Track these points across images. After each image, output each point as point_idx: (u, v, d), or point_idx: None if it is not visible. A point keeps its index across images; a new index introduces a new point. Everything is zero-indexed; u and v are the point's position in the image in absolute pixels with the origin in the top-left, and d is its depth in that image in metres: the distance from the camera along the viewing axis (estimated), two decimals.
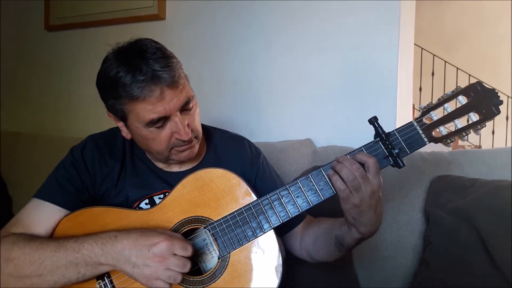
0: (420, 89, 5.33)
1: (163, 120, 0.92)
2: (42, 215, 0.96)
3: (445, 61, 5.44)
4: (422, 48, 5.31)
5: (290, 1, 1.82)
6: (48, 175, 1.04)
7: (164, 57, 0.90)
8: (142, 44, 0.92)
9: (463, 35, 5.98)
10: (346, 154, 0.88)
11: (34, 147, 2.16)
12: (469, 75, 5.24)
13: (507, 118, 4.83)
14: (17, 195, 2.10)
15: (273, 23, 1.87)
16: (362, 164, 0.84)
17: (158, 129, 0.93)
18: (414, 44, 2.02)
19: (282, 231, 1.08)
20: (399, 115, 1.68)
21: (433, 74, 5.39)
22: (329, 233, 1.00)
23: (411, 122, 0.88)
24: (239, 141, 1.19)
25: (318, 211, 1.03)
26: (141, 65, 0.87)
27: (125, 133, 1.01)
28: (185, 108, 0.94)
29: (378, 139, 0.89)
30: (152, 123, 0.91)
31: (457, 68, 5.31)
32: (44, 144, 2.14)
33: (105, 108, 1.00)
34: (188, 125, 0.95)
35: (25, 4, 2.47)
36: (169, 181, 1.04)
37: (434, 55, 5.44)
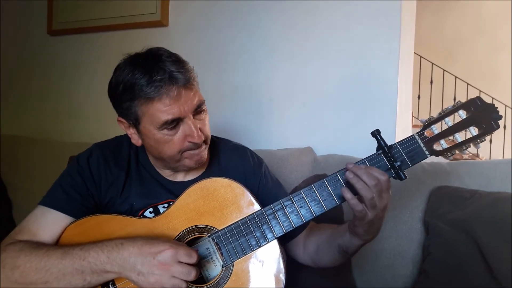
0: (419, 97, 5.36)
1: (176, 121, 0.94)
2: (48, 222, 0.97)
3: (444, 70, 5.49)
4: (421, 57, 5.35)
5: (291, 9, 1.84)
6: (54, 182, 1.04)
7: (179, 60, 0.95)
8: (156, 50, 0.96)
9: (462, 44, 6.03)
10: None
11: (34, 151, 2.16)
12: (468, 84, 5.28)
13: (504, 127, 4.86)
14: (17, 198, 2.10)
15: (275, 31, 1.88)
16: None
17: (171, 131, 0.95)
18: (414, 52, 2.05)
19: (285, 239, 1.10)
20: (399, 123, 1.70)
21: (431, 82, 5.43)
22: (332, 242, 1.02)
23: (412, 135, 0.90)
24: (242, 151, 1.20)
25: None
26: (157, 67, 0.91)
27: (135, 140, 1.03)
28: (197, 111, 0.97)
29: (380, 151, 0.90)
30: (166, 124, 0.93)
31: (456, 77, 5.35)
32: (44, 148, 2.15)
33: (117, 114, 1.02)
34: (200, 129, 0.97)
35: (28, 8, 2.49)
36: (174, 191, 1.06)
37: (433, 63, 5.48)
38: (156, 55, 0.94)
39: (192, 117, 0.96)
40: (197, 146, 0.98)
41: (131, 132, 1.02)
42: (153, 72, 0.90)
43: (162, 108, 0.92)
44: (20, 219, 1.89)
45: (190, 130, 0.95)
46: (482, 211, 1.19)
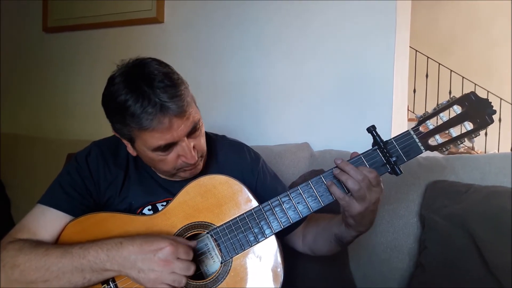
0: (414, 90, 5.38)
1: (170, 145, 0.93)
2: (47, 221, 0.97)
3: (439, 63, 5.50)
4: (416, 50, 5.36)
5: (288, 6, 1.84)
6: (52, 180, 1.05)
7: (172, 85, 0.90)
8: (150, 69, 0.91)
9: (457, 38, 6.04)
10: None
11: (32, 149, 2.17)
12: (463, 77, 5.30)
13: (500, 120, 4.89)
14: (15, 197, 2.11)
15: (271, 28, 1.89)
16: None
17: (164, 152, 0.94)
18: (409, 46, 2.06)
19: (283, 233, 1.10)
20: (395, 118, 1.71)
21: (427, 76, 5.44)
22: (328, 232, 1.04)
23: (408, 131, 0.91)
24: (238, 147, 1.21)
25: None
26: (150, 95, 0.87)
27: (131, 150, 1.02)
28: (192, 132, 0.96)
29: (376, 147, 0.91)
30: (159, 148, 0.92)
31: (451, 71, 5.37)
32: (42, 146, 2.15)
33: (111, 126, 0.99)
34: (194, 147, 0.97)
35: (24, 5, 2.47)
36: (171, 190, 1.06)
37: (428, 57, 5.49)
38: (148, 78, 0.89)
39: (186, 139, 0.94)
40: (191, 164, 0.98)
41: (126, 143, 1.01)
42: (144, 101, 0.86)
43: (155, 135, 0.90)
44: (18, 217, 1.90)
45: (184, 151, 0.94)
46: (478, 205, 1.20)
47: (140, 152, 0.98)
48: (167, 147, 0.93)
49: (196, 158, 0.97)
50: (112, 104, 0.92)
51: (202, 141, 1.02)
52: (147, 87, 0.88)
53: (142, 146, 0.94)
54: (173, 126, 0.90)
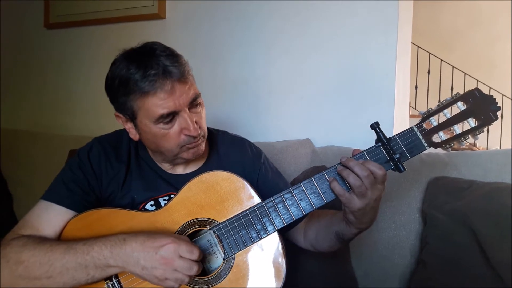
0: (416, 87, 5.37)
1: (172, 115, 0.94)
2: (50, 217, 0.98)
3: (441, 60, 5.48)
4: (418, 47, 5.33)
5: (289, 3, 1.83)
6: (55, 176, 1.05)
7: (173, 55, 0.95)
8: (151, 44, 0.96)
9: (458, 34, 6.02)
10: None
11: (33, 145, 2.18)
12: (465, 74, 5.29)
13: (502, 116, 4.87)
14: (17, 192, 2.12)
15: (272, 24, 1.88)
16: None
17: (167, 125, 0.95)
18: (411, 43, 2.05)
19: (285, 229, 1.11)
20: (397, 115, 1.71)
21: (429, 72, 5.42)
22: (329, 229, 1.04)
23: (411, 127, 0.91)
24: (240, 142, 1.21)
25: None
26: (151, 61, 0.91)
27: (133, 134, 1.03)
28: (193, 104, 0.97)
29: (379, 144, 0.91)
30: (162, 117, 0.93)
31: (453, 67, 5.35)
32: (43, 142, 2.16)
33: (114, 109, 1.02)
34: (196, 122, 0.98)
35: (25, 2, 2.47)
36: (174, 184, 1.06)
37: (430, 53, 5.47)
38: (150, 49, 0.94)
39: (187, 110, 0.96)
40: (194, 139, 0.98)
41: (129, 127, 1.03)
42: (147, 66, 0.90)
43: (157, 102, 0.92)
44: (20, 213, 1.91)
45: (186, 123, 0.95)
46: (480, 202, 1.20)
47: (143, 129, 0.98)
48: (170, 116, 0.94)
49: (199, 131, 0.98)
50: (116, 81, 0.95)
51: (203, 120, 1.03)
52: (149, 57, 0.92)
53: (145, 119, 0.95)
54: (175, 92, 0.92)
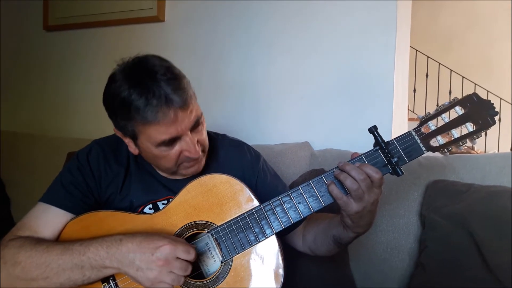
0: (414, 90, 5.38)
1: (174, 140, 0.93)
2: (49, 219, 0.97)
3: (439, 63, 5.50)
4: (416, 50, 5.35)
5: (288, 3, 1.84)
6: (53, 179, 1.05)
7: (175, 78, 0.91)
8: (151, 64, 0.92)
9: (456, 37, 6.04)
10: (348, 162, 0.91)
11: (33, 147, 2.17)
12: (463, 77, 5.30)
13: (499, 120, 4.89)
14: (15, 195, 2.11)
15: (271, 26, 1.89)
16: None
17: (168, 147, 0.94)
18: (409, 46, 2.05)
19: (284, 232, 1.11)
20: (395, 118, 1.71)
21: (427, 75, 5.43)
22: (327, 233, 1.04)
23: (409, 131, 0.91)
24: (239, 146, 1.21)
25: None
26: (153, 88, 0.87)
27: (132, 148, 1.02)
28: (194, 126, 0.96)
29: (377, 147, 0.91)
30: (163, 143, 0.93)
31: (451, 70, 5.37)
32: (43, 144, 2.16)
33: (113, 125, 1.00)
34: (197, 141, 0.97)
35: (24, 3, 2.47)
36: (173, 189, 1.06)
37: (428, 56, 5.48)
38: (151, 71, 0.90)
39: (189, 133, 0.95)
40: (194, 159, 0.98)
41: (128, 141, 1.01)
42: (149, 94, 0.87)
43: (160, 129, 0.90)
44: (18, 215, 1.91)
45: (188, 146, 0.95)
46: (478, 205, 1.20)
47: (144, 149, 0.98)
48: (171, 141, 0.93)
49: (200, 153, 0.98)
50: (116, 101, 0.92)
51: (205, 135, 1.02)
52: (150, 81, 0.88)
53: (146, 142, 0.95)
54: (177, 119, 0.90)
